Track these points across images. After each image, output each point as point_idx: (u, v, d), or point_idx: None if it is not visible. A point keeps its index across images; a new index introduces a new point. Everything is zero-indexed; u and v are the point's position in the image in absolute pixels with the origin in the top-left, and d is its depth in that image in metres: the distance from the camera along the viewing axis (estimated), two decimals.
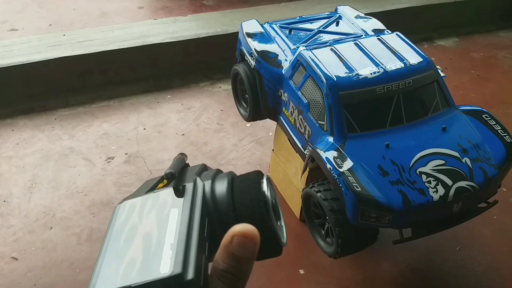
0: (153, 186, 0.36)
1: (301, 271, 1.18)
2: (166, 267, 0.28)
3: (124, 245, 0.30)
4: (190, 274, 0.28)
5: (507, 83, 2.01)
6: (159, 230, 0.30)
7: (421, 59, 1.07)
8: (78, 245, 1.22)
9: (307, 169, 1.11)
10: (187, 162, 0.39)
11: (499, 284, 1.16)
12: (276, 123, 1.28)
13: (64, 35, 1.89)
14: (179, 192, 0.33)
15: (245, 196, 0.34)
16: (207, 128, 1.66)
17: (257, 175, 0.35)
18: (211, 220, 0.33)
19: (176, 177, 0.35)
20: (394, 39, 1.14)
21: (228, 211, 0.33)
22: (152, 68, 1.90)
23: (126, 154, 1.53)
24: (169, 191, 0.33)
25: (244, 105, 1.34)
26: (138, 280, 0.27)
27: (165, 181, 0.35)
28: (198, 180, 0.34)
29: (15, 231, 1.26)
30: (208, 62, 1.96)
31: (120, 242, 0.31)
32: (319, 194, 0.99)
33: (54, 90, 1.77)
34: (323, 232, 1.07)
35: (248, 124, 1.64)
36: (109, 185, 1.41)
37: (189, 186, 0.33)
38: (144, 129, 1.65)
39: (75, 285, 1.11)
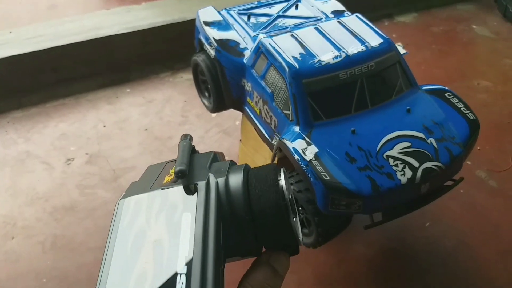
0: (159, 178, 0.32)
1: None
2: (182, 286, 0.25)
3: (132, 253, 0.27)
4: None
5: (467, 56, 2.05)
6: (171, 239, 0.28)
7: (382, 40, 1.06)
8: (43, 253, 1.17)
9: (276, 159, 1.09)
10: (193, 144, 0.35)
11: (469, 257, 1.20)
12: (242, 113, 1.24)
13: (10, 32, 1.77)
14: (191, 192, 0.30)
15: (262, 198, 0.31)
16: (171, 121, 1.61)
17: (273, 169, 0.32)
18: (226, 223, 0.30)
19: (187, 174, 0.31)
20: (354, 21, 1.12)
21: (245, 214, 0.30)
22: (108, 62, 1.82)
23: (86, 154, 1.46)
24: (179, 189, 0.30)
25: (208, 96, 1.30)
26: None
27: (172, 172, 0.31)
28: (211, 177, 0.31)
29: None
30: (167, 51, 1.89)
31: (127, 248, 0.28)
32: (292, 186, 0.98)
33: (4, 91, 1.67)
34: None
35: (214, 115, 1.60)
36: (71, 188, 1.35)
37: (201, 185, 0.30)
38: (104, 126, 1.58)
39: None
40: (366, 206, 0.92)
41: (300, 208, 1.02)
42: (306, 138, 0.96)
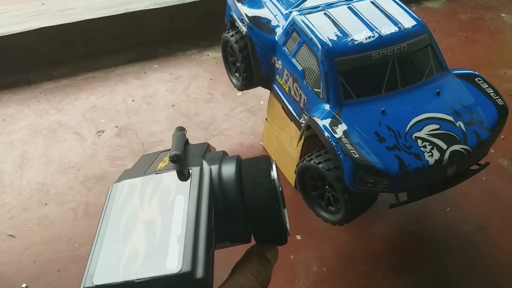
0: (153, 165, 0.33)
1: (298, 237, 1.21)
2: (173, 263, 0.26)
3: (124, 232, 0.28)
4: (199, 273, 0.26)
5: (494, 44, 2.02)
6: (164, 219, 0.28)
7: (415, 23, 1.06)
8: (75, 220, 1.22)
9: (303, 137, 1.11)
10: (187, 137, 0.37)
11: (487, 242, 1.21)
12: (270, 91, 1.26)
13: (43, 4, 1.80)
14: (184, 177, 0.31)
15: (254, 187, 0.32)
16: (197, 98, 1.64)
17: (266, 163, 0.33)
18: (218, 208, 0.31)
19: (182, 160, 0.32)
20: (387, 2, 1.12)
21: (236, 201, 0.31)
22: (137, 37, 1.84)
23: (116, 127, 1.50)
24: (173, 174, 0.31)
25: (236, 74, 1.32)
26: (142, 275, 0.25)
27: (166, 160, 0.33)
28: (205, 164, 0.32)
29: (10, 209, 1.24)
30: (194, 29, 1.91)
31: (120, 228, 0.28)
32: (320, 165, 0.99)
33: (36, 63, 1.71)
34: (323, 203, 1.08)
35: (239, 93, 1.62)
36: (102, 159, 1.39)
37: (195, 171, 0.31)
38: (133, 100, 1.62)
39: (75, 259, 1.12)
40: (392, 185, 0.94)
41: (327, 187, 1.04)
42: (336, 116, 0.98)
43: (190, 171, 0.31)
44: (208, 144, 0.37)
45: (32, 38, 1.68)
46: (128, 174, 0.33)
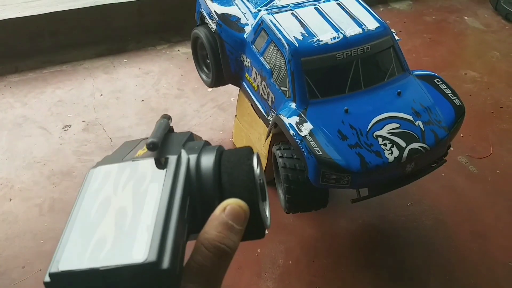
0: (132, 152, 0.33)
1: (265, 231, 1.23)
2: (140, 252, 0.25)
3: (94, 219, 0.27)
4: (165, 263, 0.25)
5: (456, 46, 2.10)
6: (135, 207, 0.27)
7: (378, 25, 1.10)
8: (41, 216, 1.21)
9: (270, 134, 1.14)
10: (171, 125, 0.36)
11: (445, 235, 1.27)
12: (239, 88, 1.28)
13: None
14: (161, 165, 0.30)
15: (232, 177, 0.31)
16: (167, 93, 1.64)
17: (247, 153, 0.33)
18: (193, 199, 0.30)
19: (159, 147, 0.31)
20: (352, 3, 1.15)
21: (213, 191, 0.31)
22: (106, 30, 1.82)
23: (83, 121, 1.49)
24: (150, 162, 0.30)
25: (206, 70, 1.33)
26: (107, 263, 0.25)
27: (146, 147, 0.32)
28: (183, 153, 0.31)
29: None
30: (164, 23, 1.90)
31: (91, 215, 0.28)
32: (278, 151, 1.03)
33: (1, 55, 1.67)
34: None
35: (209, 90, 1.63)
36: (69, 154, 1.37)
37: (172, 159, 0.30)
38: (101, 95, 1.60)
39: (40, 255, 1.11)
40: (354, 181, 0.98)
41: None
42: (302, 115, 1.00)
43: (168, 159, 0.30)
44: (192, 133, 0.36)
45: None
46: (106, 160, 0.32)
